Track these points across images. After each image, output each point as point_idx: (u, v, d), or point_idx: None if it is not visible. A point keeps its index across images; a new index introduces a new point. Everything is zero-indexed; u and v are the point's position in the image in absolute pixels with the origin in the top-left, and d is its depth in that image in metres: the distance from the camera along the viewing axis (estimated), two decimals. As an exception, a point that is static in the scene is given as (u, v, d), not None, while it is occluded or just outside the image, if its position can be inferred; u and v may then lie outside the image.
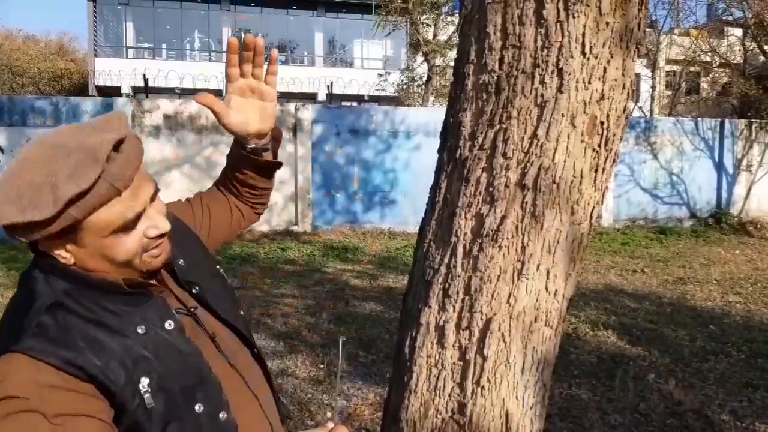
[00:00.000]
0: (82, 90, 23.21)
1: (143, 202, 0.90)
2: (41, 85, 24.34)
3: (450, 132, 1.42)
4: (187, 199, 1.34)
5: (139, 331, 0.91)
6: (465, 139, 1.35)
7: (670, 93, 18.38)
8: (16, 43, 29.30)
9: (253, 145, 1.29)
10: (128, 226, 0.89)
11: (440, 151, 1.47)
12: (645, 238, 9.77)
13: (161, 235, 0.94)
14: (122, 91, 20.55)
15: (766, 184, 11.93)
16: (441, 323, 1.34)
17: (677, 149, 11.44)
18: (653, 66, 17.26)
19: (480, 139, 1.32)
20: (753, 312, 5.61)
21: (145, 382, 0.88)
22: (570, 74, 1.25)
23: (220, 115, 1.23)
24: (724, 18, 18.25)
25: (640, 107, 17.35)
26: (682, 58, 18.10)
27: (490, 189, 1.30)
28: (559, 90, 1.26)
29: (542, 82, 1.26)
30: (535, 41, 1.26)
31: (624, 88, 1.34)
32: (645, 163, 11.29)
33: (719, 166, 11.64)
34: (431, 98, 14.96)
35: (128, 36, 23.74)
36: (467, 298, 1.31)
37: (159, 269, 0.99)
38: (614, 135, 1.35)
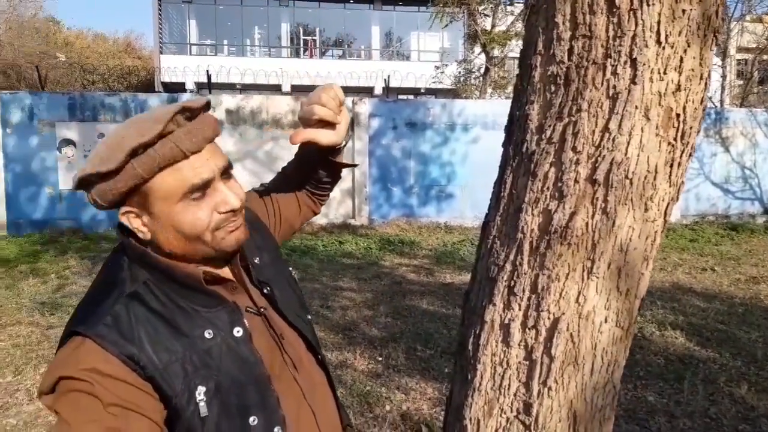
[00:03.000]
0: (148, 86, 24.10)
1: (212, 171, 0.92)
2: (110, 82, 25.41)
3: (516, 125, 1.39)
4: (257, 192, 1.34)
5: (207, 335, 0.93)
6: (532, 133, 1.31)
7: (741, 82, 17.47)
8: (86, 42, 30.73)
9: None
10: (196, 194, 0.91)
11: (505, 145, 1.44)
12: (715, 235, 9.34)
13: (233, 212, 0.95)
14: (186, 87, 21.20)
15: None
16: (506, 321, 1.31)
17: (750, 141, 10.87)
18: (723, 54, 16.45)
19: (548, 133, 1.28)
20: (834, 314, 5.27)
21: (202, 389, 0.89)
22: (644, 64, 1.20)
23: (315, 141, 1.19)
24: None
25: (710, 98, 16.60)
26: (754, 45, 17.17)
27: (559, 184, 1.26)
28: (633, 81, 1.20)
29: (614, 73, 1.21)
30: (607, 31, 1.22)
31: (701, 78, 1.28)
32: (716, 156, 10.78)
33: (796, 159, 11.01)
34: (489, 90, 14.75)
35: (192, 33, 24.47)
36: (534, 296, 1.28)
37: (234, 253, 1.00)
38: (691, 128, 1.29)
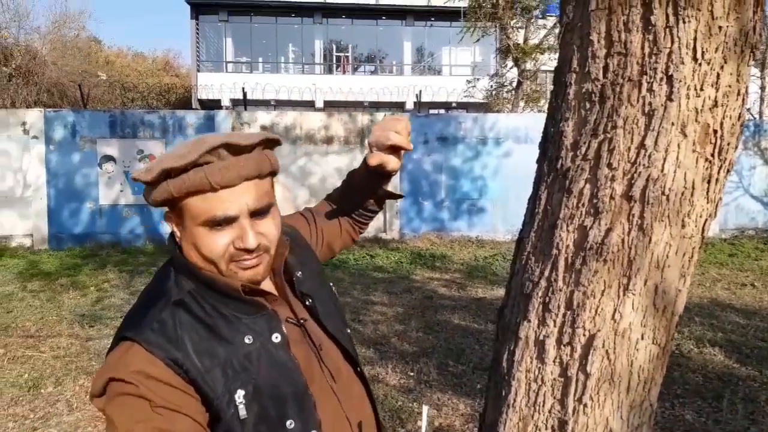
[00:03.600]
0: (185, 103, 24.67)
1: (239, 209, 0.95)
2: (149, 99, 26.08)
3: (551, 142, 1.40)
4: (303, 215, 1.40)
5: (247, 341, 0.96)
6: (567, 149, 1.32)
7: (783, 93, 17.01)
8: (127, 61, 31.65)
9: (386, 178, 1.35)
10: (217, 225, 0.95)
11: (540, 161, 1.45)
12: (755, 249, 9.08)
13: (247, 251, 0.97)
14: (222, 104, 21.64)
15: None
16: (541, 338, 1.31)
17: (792, 154, 10.58)
18: (762, 65, 16.06)
19: (583, 149, 1.29)
20: None
21: (241, 393, 0.93)
22: (680, 81, 1.20)
23: (385, 165, 1.25)
24: None
25: (749, 109, 16.19)
26: (798, 55, 16.72)
27: (594, 201, 1.26)
28: (669, 98, 1.20)
29: (650, 90, 1.21)
30: (642, 48, 1.22)
31: (739, 94, 1.27)
32: (755, 168, 10.52)
33: (840, 172, 10.66)
34: (521, 103, 14.68)
35: (228, 51, 25.01)
36: (569, 312, 1.28)
37: (256, 282, 1.02)
38: (728, 144, 1.28)
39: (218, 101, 21.81)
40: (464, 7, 15.17)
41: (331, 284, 1.28)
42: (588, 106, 1.28)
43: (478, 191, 10.37)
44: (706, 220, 1.30)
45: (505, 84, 16.06)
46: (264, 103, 20.92)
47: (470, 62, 23.81)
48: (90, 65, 23.71)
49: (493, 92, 16.37)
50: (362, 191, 1.37)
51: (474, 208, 10.35)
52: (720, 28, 1.21)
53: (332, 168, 10.13)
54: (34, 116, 9.34)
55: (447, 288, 6.80)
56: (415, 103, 14.95)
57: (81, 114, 9.56)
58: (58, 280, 7.25)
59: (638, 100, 1.22)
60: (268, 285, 1.08)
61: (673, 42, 1.20)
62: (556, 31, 14.17)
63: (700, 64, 1.21)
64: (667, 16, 1.20)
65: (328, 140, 10.14)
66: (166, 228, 9.50)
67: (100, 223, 9.57)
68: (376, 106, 21.56)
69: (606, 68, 1.25)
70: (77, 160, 9.46)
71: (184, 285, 0.98)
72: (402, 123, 1.24)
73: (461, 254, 9.02)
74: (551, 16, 15.57)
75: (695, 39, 1.20)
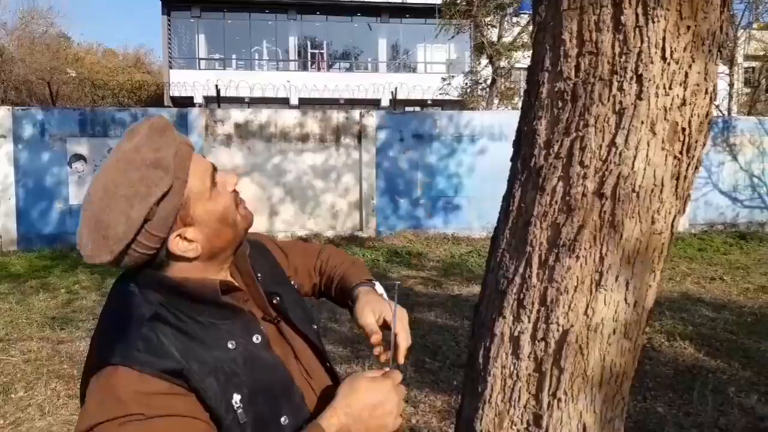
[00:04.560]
0: (157, 100, 24.32)
1: (208, 169, 0.99)
2: (120, 97, 25.67)
3: (524, 140, 1.41)
4: (280, 246, 1.39)
5: (230, 345, 0.95)
6: (540, 148, 1.34)
7: (749, 91, 17.45)
8: (96, 57, 31.09)
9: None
10: (214, 179, 0.98)
11: (513, 159, 1.46)
12: (724, 244, 9.30)
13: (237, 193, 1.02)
14: (195, 101, 21.39)
15: None
16: (516, 334, 1.33)
17: (758, 150, 10.84)
18: (731, 62, 16.43)
19: (556, 148, 1.30)
20: None
21: (237, 397, 0.91)
22: (650, 80, 1.22)
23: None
24: (808, 10, 17.19)
25: (717, 106, 16.56)
26: (762, 53, 17.16)
27: (567, 198, 1.28)
28: (639, 97, 1.23)
29: (621, 89, 1.23)
30: (613, 47, 1.24)
31: (706, 92, 1.30)
32: (723, 164, 10.76)
33: (805, 167, 10.96)
34: (496, 101, 14.80)
35: (200, 48, 24.71)
36: (543, 308, 1.29)
37: (247, 229, 1.05)
38: (696, 141, 1.31)
39: (191, 98, 21.54)
40: (439, 5, 15.23)
41: (292, 280, 1.28)
42: (560, 104, 1.30)
43: (454, 189, 10.42)
44: (675, 216, 1.32)
45: (480, 81, 16.18)
46: (238, 101, 20.72)
47: (445, 60, 23.90)
48: (59, 62, 23.22)
49: (468, 90, 16.48)
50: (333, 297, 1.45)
51: (450, 205, 10.40)
52: (688, 27, 1.24)
53: (307, 166, 10.09)
54: (1, 114, 9.11)
55: (423, 285, 6.82)
56: (390, 100, 14.94)
57: (50, 112, 9.36)
58: (27, 282, 7.09)
59: (609, 99, 1.24)
60: (238, 284, 1.08)
61: (642, 41, 1.22)
62: (530, 28, 14.29)
63: (668, 64, 1.23)
64: (637, 15, 1.22)
65: (303, 138, 10.09)
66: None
67: (71, 223, 9.38)
68: (352, 103, 21.54)
69: (578, 67, 1.27)
70: (47, 159, 9.27)
71: (152, 298, 0.94)
72: (405, 323, 1.36)
73: (437, 251, 9.06)
74: (525, 13, 15.72)
75: (664, 39, 1.22)
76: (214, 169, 1.00)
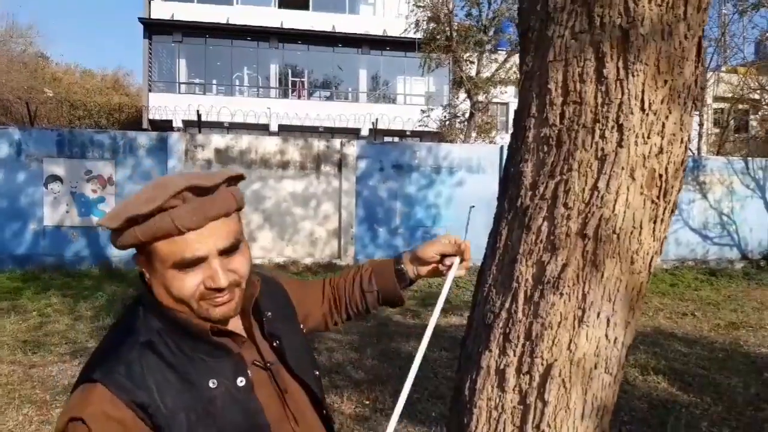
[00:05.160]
0: (135, 123, 24.19)
1: (208, 250, 0.95)
2: (97, 118, 25.47)
3: (511, 181, 1.48)
4: (297, 282, 1.41)
5: (211, 384, 0.97)
6: (526, 189, 1.40)
7: (718, 131, 18.03)
8: (74, 78, 30.90)
9: (411, 278, 1.44)
10: (186, 266, 0.95)
11: (500, 199, 1.53)
12: (695, 280, 9.51)
13: (218, 290, 0.97)
14: (174, 125, 21.32)
15: (822, 226, 11.52)
16: (501, 367, 1.37)
17: (727, 189, 11.18)
18: (701, 103, 17.00)
19: (541, 189, 1.37)
20: (811, 360, 5.39)
21: None
22: (630, 129, 1.30)
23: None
24: (774, 55, 17.93)
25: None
26: (730, 95, 17.80)
27: (552, 237, 1.34)
28: (619, 144, 1.30)
29: (602, 137, 1.31)
30: (596, 98, 1.32)
31: (682, 142, 1.38)
32: (694, 202, 11.06)
33: (772, 207, 11.32)
34: (473, 134, 15.05)
35: (181, 72, 24.73)
36: (528, 343, 1.34)
37: (222, 320, 1.02)
38: (672, 187, 1.39)
39: (170, 122, 21.48)
40: (419, 39, 15.55)
41: (302, 327, 1.29)
42: (546, 149, 1.38)
43: (432, 219, 10.52)
44: (653, 257, 1.40)
45: (458, 115, 16.46)
46: (218, 125, 20.73)
47: (424, 92, 24.29)
48: (36, 81, 23.04)
49: (447, 122, 16.74)
50: (369, 293, 1.43)
51: (428, 235, 10.48)
52: (665, 81, 1.33)
53: (287, 193, 10.11)
54: (-24, 133, 9.00)
55: (402, 315, 6.84)
56: (370, 130, 15.13)
57: (28, 132, 9.26)
58: (-3, 304, 6.94)
59: (591, 146, 1.32)
60: (237, 325, 1.09)
61: (623, 93, 1.30)
62: (507, 65, 14.66)
63: (647, 114, 1.32)
64: (618, 69, 1.31)
65: (284, 165, 10.13)
66: (114, 251, 9.25)
67: (44, 244, 9.23)
68: (332, 131, 21.70)
69: (562, 115, 1.35)
70: (22, 179, 9.14)
71: (152, 324, 0.98)
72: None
73: (415, 282, 9.09)
74: (502, 50, 16.10)
75: (643, 91, 1.31)
76: (200, 260, 0.96)
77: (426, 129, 17.73)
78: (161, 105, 21.77)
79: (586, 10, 1.33)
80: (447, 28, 14.66)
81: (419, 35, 15.50)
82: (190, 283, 0.96)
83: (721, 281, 9.49)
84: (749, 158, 11.83)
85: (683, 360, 5.23)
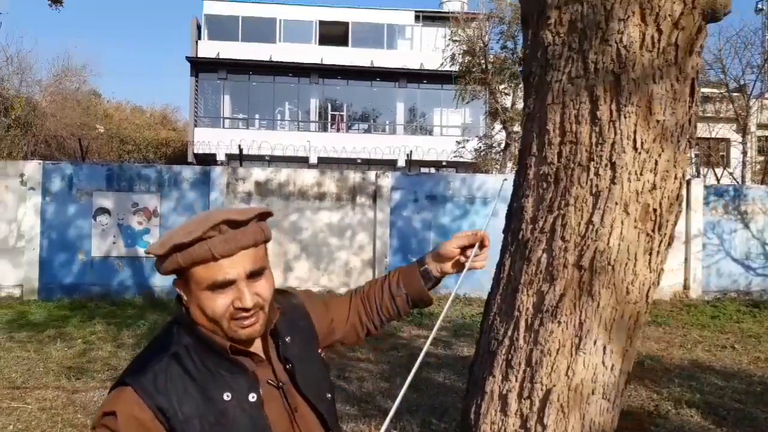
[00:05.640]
0: (182, 157, 25.04)
1: (237, 274, 1.10)
2: (145, 152, 26.46)
3: (514, 215, 1.57)
4: (323, 299, 1.50)
5: (225, 397, 1.10)
6: (527, 223, 1.50)
7: (762, 158, 17.58)
8: (125, 114, 32.25)
9: (436, 276, 1.51)
10: (218, 288, 1.09)
11: (505, 232, 1.62)
12: (737, 312, 9.22)
13: (245, 310, 1.11)
14: (218, 159, 22.01)
15: None
16: (504, 392, 1.45)
17: (770, 219, 10.88)
18: (744, 131, 16.67)
19: (540, 223, 1.46)
20: None
21: None
22: (622, 167, 1.39)
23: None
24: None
25: (731, 173, 16.67)
26: (776, 122, 17.39)
27: (550, 268, 1.43)
28: (613, 181, 1.39)
29: (597, 174, 1.40)
30: (590, 138, 1.42)
31: (675, 177, 1.46)
32: (735, 232, 10.78)
33: (817, 237, 10.94)
34: (509, 164, 15.08)
35: (225, 107, 25.61)
36: (528, 369, 1.42)
37: (248, 340, 1.16)
38: (667, 221, 1.46)
39: (214, 155, 22.19)
40: (455, 72, 15.78)
41: (321, 352, 1.38)
42: (545, 185, 1.47)
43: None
44: (649, 287, 1.46)
45: (494, 145, 16.53)
46: (259, 159, 21.29)
47: (460, 123, 24.48)
48: (89, 118, 24.17)
49: (482, 153, 16.82)
50: (399, 297, 1.50)
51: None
52: (657, 121, 1.41)
53: (323, 223, 10.31)
54: (32, 168, 9.52)
55: (433, 345, 6.85)
56: (406, 161, 15.32)
57: (79, 167, 9.75)
58: (45, 331, 7.25)
59: (587, 183, 1.41)
60: (257, 347, 1.21)
61: (616, 134, 1.39)
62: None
63: (639, 153, 1.40)
64: (611, 111, 1.40)
65: (321, 197, 10.36)
66: (157, 281, 9.57)
67: (91, 274, 9.61)
68: (369, 163, 21.99)
69: (560, 154, 1.45)
70: (72, 212, 9.59)
71: (183, 340, 1.13)
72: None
73: (449, 312, 9.10)
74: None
75: (635, 131, 1.40)
76: (230, 283, 1.10)
77: (461, 159, 17.83)
78: (206, 139, 22.53)
79: (581, 57, 1.44)
80: (482, 61, 14.86)
81: (455, 68, 15.74)
82: (221, 303, 1.10)
83: (764, 313, 9.17)
84: (794, 187, 11.51)
85: (719, 393, 5.09)
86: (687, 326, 8.18)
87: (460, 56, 15.40)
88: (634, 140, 1.41)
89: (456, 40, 15.45)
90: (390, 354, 6.41)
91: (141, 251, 9.62)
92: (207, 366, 1.11)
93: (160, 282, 9.50)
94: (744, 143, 16.81)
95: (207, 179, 9.89)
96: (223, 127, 24.75)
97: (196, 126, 24.30)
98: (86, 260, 9.60)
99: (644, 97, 1.40)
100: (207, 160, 21.59)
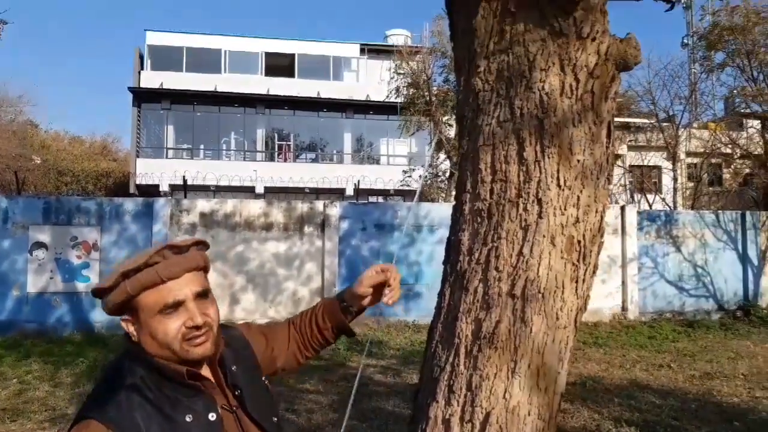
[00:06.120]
0: (123, 188, 24.40)
1: (185, 295, 1.17)
2: (84, 184, 25.66)
3: (452, 248, 1.68)
4: (260, 329, 1.57)
5: (187, 419, 1.16)
6: (464, 255, 1.60)
7: (692, 185, 18.56)
8: (63, 144, 31.23)
9: (356, 311, 1.57)
10: (168, 310, 1.15)
11: (444, 263, 1.72)
12: (672, 332, 9.65)
13: (197, 328, 1.17)
14: (161, 189, 21.55)
15: (795, 277, 11.81)
16: (447, 416, 1.53)
17: (700, 241, 11.49)
18: (673, 159, 17.59)
19: (476, 255, 1.57)
20: (783, 409, 5.51)
21: None
22: (548, 203, 1.52)
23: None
24: (742, 110, 18.71)
25: (663, 199, 17.52)
26: (702, 150, 18.43)
27: (486, 297, 1.53)
28: (540, 216, 1.52)
29: (525, 209, 1.53)
30: (518, 176, 1.54)
31: (596, 211, 1.60)
32: (668, 255, 11.33)
33: (743, 258, 11.60)
34: (453, 193, 15.42)
35: (168, 138, 25.19)
36: (469, 393, 1.51)
37: (201, 360, 1.22)
38: (591, 251, 1.59)
39: (157, 186, 21.72)
40: (400, 103, 16.13)
41: (265, 379, 1.44)
42: (479, 220, 1.58)
43: (414, 276, 10.67)
44: (577, 312, 1.58)
45: (439, 174, 16.88)
46: (204, 189, 20.98)
47: (407, 153, 24.87)
48: (25, 149, 23.31)
49: (428, 182, 17.14)
50: (326, 328, 1.57)
51: (410, 293, 10.60)
52: (578, 161, 1.55)
53: (270, 254, 10.25)
54: (-37, 202, 9.13)
55: (383, 374, 6.89)
56: (354, 190, 15.45)
57: (14, 200, 9.40)
58: (-23, 372, 6.89)
59: (517, 217, 1.53)
60: (207, 374, 1.27)
61: (541, 172, 1.52)
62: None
63: (563, 190, 1.53)
64: (536, 152, 1.53)
65: (267, 227, 10.31)
66: (96, 316, 9.24)
67: (26, 310, 9.21)
68: (317, 192, 22.02)
69: (491, 191, 1.57)
70: (6, 246, 9.20)
71: (136, 371, 1.17)
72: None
73: (398, 339, 9.15)
74: (481, 112, 16.70)
75: (558, 170, 1.53)
76: (179, 304, 1.16)
77: (408, 188, 18.10)
78: (148, 170, 22.06)
79: (508, 103, 1.57)
80: (426, 93, 15.26)
81: (400, 100, 16.09)
82: (173, 325, 1.15)
83: (698, 332, 9.64)
84: (720, 211, 12.21)
85: (657, 411, 5.32)
86: (626, 347, 8.51)
87: (405, 89, 15.77)
88: (558, 178, 1.54)
89: (401, 73, 15.84)
90: (339, 385, 6.40)
91: (80, 286, 9.30)
92: (164, 393, 1.16)
93: (100, 317, 9.19)
94: (674, 170, 17.73)
95: (150, 211, 9.71)
96: (167, 158, 24.29)
97: (138, 156, 23.77)
98: (21, 296, 9.21)
99: (565, 139, 1.54)
100: (150, 191, 21.12)
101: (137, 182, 22.52)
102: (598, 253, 1.64)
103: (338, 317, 1.55)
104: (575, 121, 1.56)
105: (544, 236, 1.53)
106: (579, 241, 1.58)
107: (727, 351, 8.19)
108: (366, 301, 1.54)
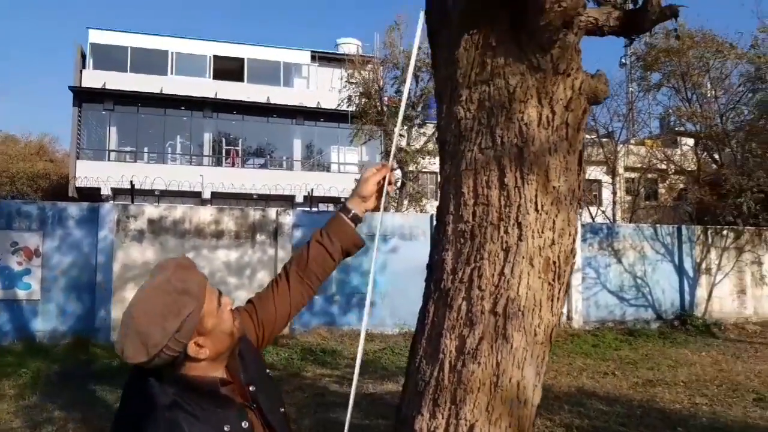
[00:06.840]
0: (61, 190, 23.47)
1: (216, 294, 1.29)
2: (18, 185, 24.56)
3: (435, 267, 1.76)
4: (247, 310, 1.61)
5: (225, 429, 1.22)
6: (448, 274, 1.69)
7: (630, 198, 19.38)
8: (-5, 144, 29.77)
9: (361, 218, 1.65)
10: (220, 300, 1.27)
11: (427, 281, 1.80)
12: (615, 340, 10.06)
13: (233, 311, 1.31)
14: (102, 193, 20.87)
15: (726, 287, 12.50)
16: (432, 429, 1.60)
17: (639, 253, 12.03)
18: (613, 173, 18.35)
19: (460, 274, 1.66)
20: (719, 413, 5.84)
21: None
22: (527, 226, 1.62)
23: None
24: (676, 129, 19.71)
25: (603, 212, 18.22)
26: (639, 165, 19.30)
27: (470, 315, 1.62)
28: (519, 238, 1.62)
29: (506, 232, 1.62)
30: (500, 200, 1.64)
31: (570, 234, 1.71)
32: (610, 266, 11.81)
33: (680, 270, 12.22)
34: (405, 202, 15.58)
35: (111, 139, 24.42)
36: (453, 406, 1.59)
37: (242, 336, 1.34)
38: (564, 271, 1.71)
39: (98, 190, 21.01)
40: (352, 112, 16.22)
41: (268, 371, 1.51)
42: (462, 241, 1.67)
43: (367, 285, 10.73)
44: (552, 329, 1.69)
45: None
46: (149, 193, 20.43)
47: (357, 161, 24.97)
48: (-46, 148, 22.12)
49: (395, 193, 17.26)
50: (333, 242, 1.63)
51: (363, 302, 10.66)
52: (554, 188, 1.66)
53: (221, 262, 10.11)
54: None
55: (338, 384, 6.90)
56: (305, 197, 15.42)
57: (-53, 203, 8.96)
58: None
59: (498, 239, 1.63)
60: (222, 374, 1.33)
61: (521, 197, 1.63)
62: (435, 137, 15.44)
63: (540, 214, 1.64)
64: (516, 178, 1.63)
65: (218, 235, 10.17)
66: (38, 325, 8.85)
67: (-39, 321, 8.77)
68: (266, 199, 21.81)
69: (474, 214, 1.66)
70: (-62, 253, 8.75)
71: (168, 390, 1.22)
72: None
73: (351, 348, 9.18)
74: (431, 123, 16.98)
75: (536, 196, 1.64)
76: (220, 293, 1.30)
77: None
78: (89, 173, 21.34)
79: (489, 131, 1.67)
80: (378, 103, 15.40)
81: (352, 108, 16.17)
82: (227, 313, 1.29)
83: (638, 341, 10.09)
84: (657, 225, 12.83)
85: (604, 418, 5.56)
86: (572, 355, 8.82)
87: (357, 98, 15.87)
88: (536, 203, 1.65)
89: (353, 82, 15.93)
90: (295, 395, 6.39)
91: (20, 293, 8.92)
92: (201, 406, 1.22)
93: (42, 326, 8.87)
94: (613, 184, 18.50)
95: (95, 216, 9.42)
96: (109, 160, 23.54)
97: (78, 158, 22.94)
98: (-45, 306, 8.76)
99: (543, 167, 1.65)
100: (91, 194, 20.40)
101: (77, 185, 21.72)
102: (571, 272, 1.76)
103: (349, 229, 1.63)
104: (551, 151, 1.66)
105: (523, 257, 1.62)
106: (554, 262, 1.68)
107: (667, 359, 8.61)
108: (372, 201, 1.64)
